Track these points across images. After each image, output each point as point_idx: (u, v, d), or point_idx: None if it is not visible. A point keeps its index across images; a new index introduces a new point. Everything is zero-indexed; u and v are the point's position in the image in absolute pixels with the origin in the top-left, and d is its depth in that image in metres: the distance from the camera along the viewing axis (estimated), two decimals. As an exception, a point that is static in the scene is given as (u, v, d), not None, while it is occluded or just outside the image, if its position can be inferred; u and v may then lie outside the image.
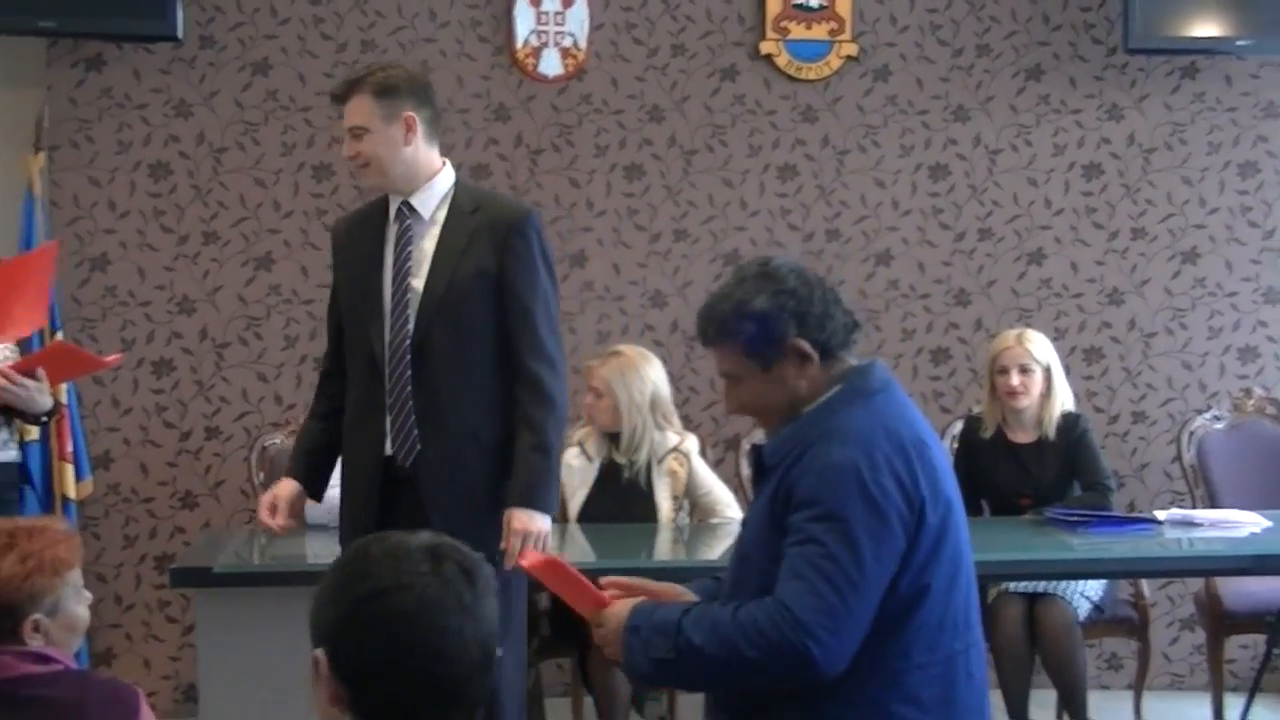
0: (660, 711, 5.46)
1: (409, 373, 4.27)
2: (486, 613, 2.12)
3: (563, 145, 6.83)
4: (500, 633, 2.16)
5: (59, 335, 6.40)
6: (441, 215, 4.35)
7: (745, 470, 6.17)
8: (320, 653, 2.11)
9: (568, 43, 6.77)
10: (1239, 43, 6.73)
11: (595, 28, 6.81)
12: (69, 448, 6.45)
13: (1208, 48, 6.80)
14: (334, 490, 5.48)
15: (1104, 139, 6.99)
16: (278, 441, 6.09)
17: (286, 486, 4.46)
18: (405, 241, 4.33)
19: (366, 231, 4.40)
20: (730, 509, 5.84)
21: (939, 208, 6.97)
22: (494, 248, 4.28)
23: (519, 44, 6.75)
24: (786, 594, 2.95)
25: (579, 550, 5.54)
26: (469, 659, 2.08)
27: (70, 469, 6.47)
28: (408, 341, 4.26)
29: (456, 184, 4.40)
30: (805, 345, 3.12)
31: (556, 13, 6.74)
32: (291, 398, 6.70)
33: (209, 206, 6.72)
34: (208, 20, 6.66)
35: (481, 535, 4.07)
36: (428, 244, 4.32)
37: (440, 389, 4.28)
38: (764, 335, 3.12)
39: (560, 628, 5.67)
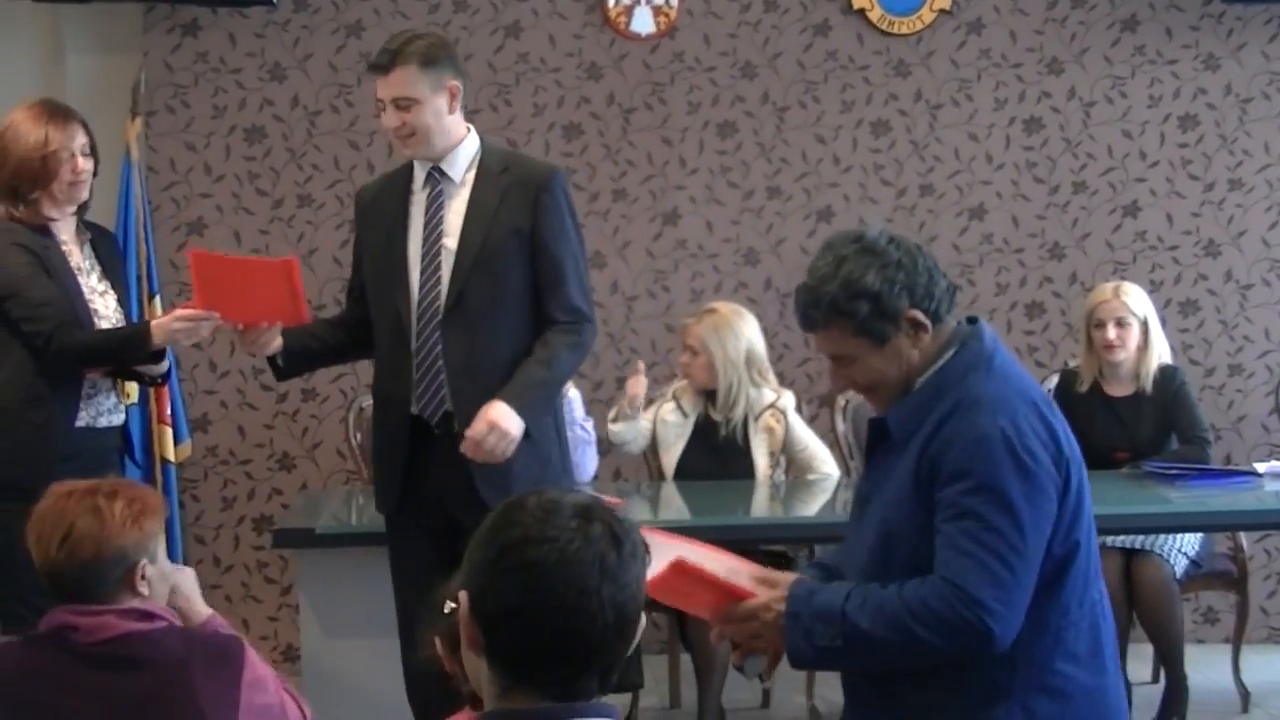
0: (760, 668, 5.46)
1: (438, 333, 4.31)
2: (628, 579, 2.11)
3: (655, 104, 6.83)
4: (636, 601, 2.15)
5: (156, 300, 6.47)
6: (470, 177, 4.38)
7: (840, 426, 6.17)
8: (463, 594, 2.14)
9: (659, 1, 6.76)
10: (1338, -11, 6.65)
11: (687, -16, 6.81)
12: (168, 411, 6.53)
13: (1307, -5, 6.72)
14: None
15: (1200, 90, 6.92)
16: (375, 402, 6.13)
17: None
18: (437, 204, 4.36)
19: (391, 197, 4.43)
20: (827, 465, 5.84)
21: (1033, 161, 6.92)
22: (526, 206, 4.32)
23: (611, 2, 6.75)
24: (954, 571, 2.94)
25: (674, 508, 5.57)
26: (603, 621, 2.08)
27: (169, 432, 6.55)
28: (439, 301, 4.29)
29: (482, 145, 4.43)
30: (920, 315, 3.06)
31: (648, -30, 6.75)
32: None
33: (303, 170, 6.77)
34: (301, -17, 6.72)
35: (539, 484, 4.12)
36: (459, 204, 4.35)
37: (473, 346, 4.31)
38: (879, 312, 3.04)
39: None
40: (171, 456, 6.54)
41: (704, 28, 6.82)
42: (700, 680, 5.59)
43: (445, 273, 4.30)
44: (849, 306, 3.05)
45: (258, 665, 3.24)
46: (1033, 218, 6.92)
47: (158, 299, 6.48)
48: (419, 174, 4.40)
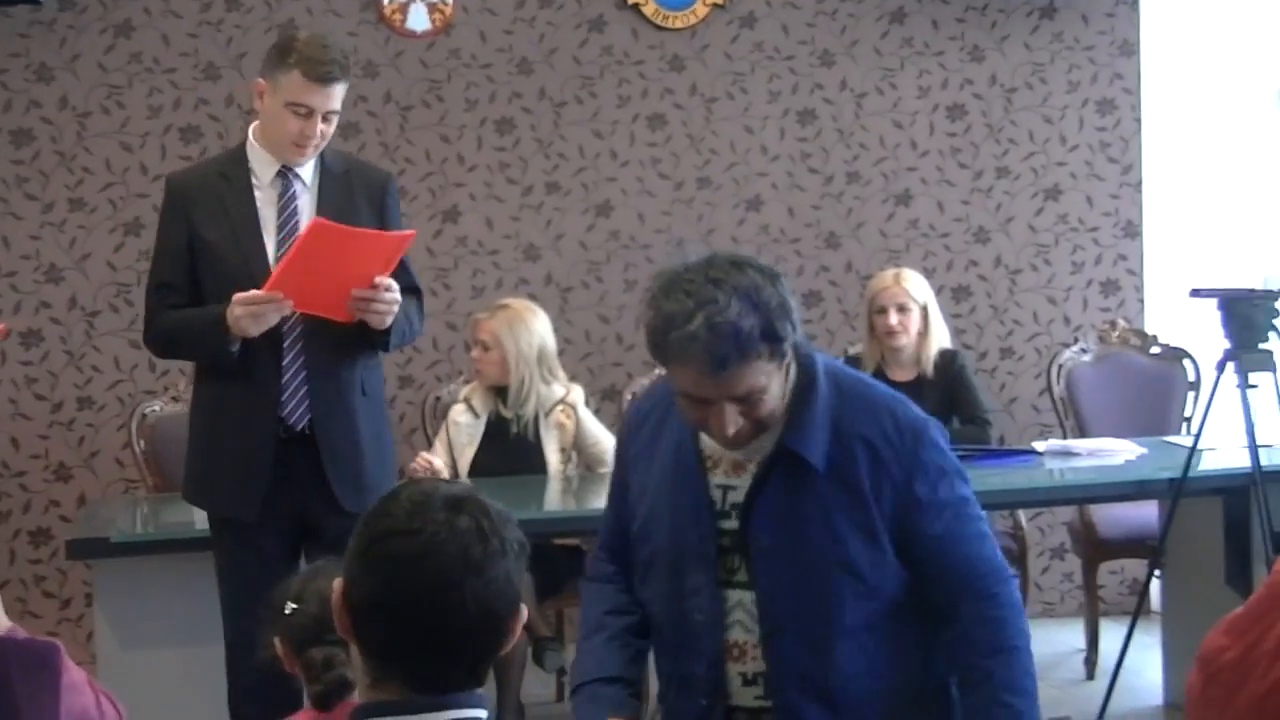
0: (560, 662, 5.49)
1: (302, 341, 4.26)
2: (496, 574, 2.09)
3: (432, 101, 6.80)
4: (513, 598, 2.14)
5: (-76, 309, 6.29)
6: (314, 178, 4.35)
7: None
8: (338, 582, 2.12)
9: (435, -3, 6.75)
10: (1095, -18, 6.87)
11: (462, -19, 6.79)
12: (-64, 423, 6.35)
13: (1064, -12, 6.93)
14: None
15: (967, 80, 7.10)
16: (157, 408, 6.01)
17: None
18: (289, 203, 4.30)
19: (228, 191, 4.31)
20: (618, 457, 5.87)
21: (807, 152, 7.03)
22: (371, 207, 4.34)
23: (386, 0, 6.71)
24: (978, 563, 3.01)
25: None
26: (466, 615, 2.07)
27: (-61, 445, 6.37)
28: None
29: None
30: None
31: (423, -33, 6.72)
32: (165, 363, 6.61)
33: (74, 173, 6.61)
34: (65, -18, 6.55)
35: (380, 486, 4.10)
36: (307, 204, 4.31)
37: (334, 346, 4.28)
38: (790, 328, 2.84)
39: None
40: (-58, 471, 6.36)
41: (480, 24, 6.81)
42: (498, 676, 5.58)
43: None
44: (778, 329, 2.82)
45: (72, 669, 3.15)
46: (808, 208, 7.03)
47: (-76, 309, 6.29)
48: (262, 171, 4.30)
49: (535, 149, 6.87)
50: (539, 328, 5.82)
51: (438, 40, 6.76)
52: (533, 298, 6.46)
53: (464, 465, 5.81)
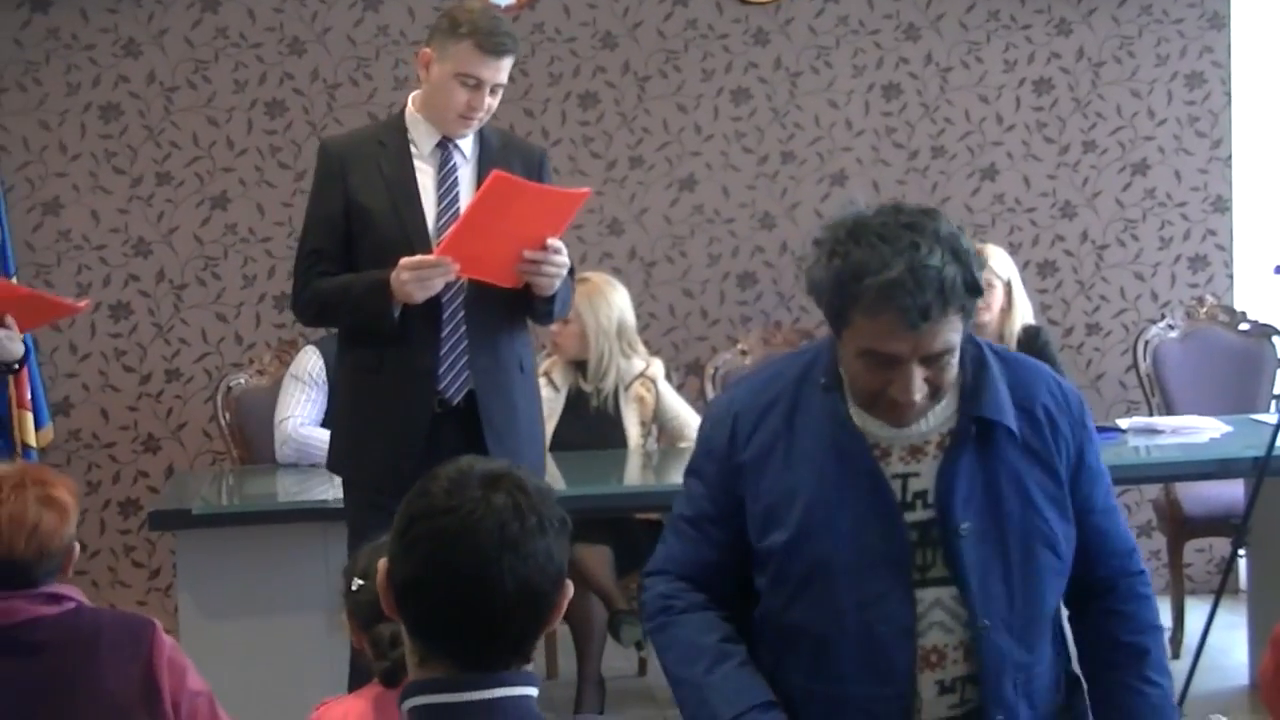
0: (637, 636, 5.50)
1: (463, 311, 4.22)
2: (533, 549, 2.09)
3: (517, 75, 6.71)
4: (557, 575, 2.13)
5: (14, 281, 6.35)
6: (473, 151, 4.33)
7: (711, 393, 6.21)
8: (382, 563, 2.13)
9: (519, -28, 6.76)
10: (1185, -46, 6.79)
11: (547, -44, 6.80)
12: (27, 396, 6.41)
13: (1154, -40, 6.85)
14: (307, 430, 5.51)
15: (1054, 54, 7.03)
16: (242, 381, 6.05)
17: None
18: (451, 176, 4.28)
19: (386, 160, 4.26)
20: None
21: (892, 127, 6.99)
22: (530, 179, 4.24)
23: (470, -26, 6.71)
24: (1129, 533, 2.98)
25: (551, 479, 5.57)
26: (504, 593, 2.06)
27: (30, 416, 6.42)
28: (464, 278, 4.18)
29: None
30: None
31: (508, -59, 6.72)
32: (251, 337, 6.69)
33: (161, 147, 6.67)
34: (153, -42, 6.61)
35: (535, 466, 4.08)
36: (468, 176, 4.29)
37: (492, 321, 4.26)
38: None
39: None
40: (33, 441, 6.42)
41: (564, -1, 6.83)
42: (579, 649, 5.62)
43: None
44: (979, 281, 2.65)
45: (176, 651, 3.20)
46: (893, 182, 6.99)
47: (15, 280, 6.35)
48: (422, 141, 4.28)
49: (619, 123, 6.86)
50: (618, 301, 5.82)
51: (522, 14, 6.76)
52: (616, 272, 6.47)
53: (545, 439, 5.82)
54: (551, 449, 5.77)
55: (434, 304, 4.17)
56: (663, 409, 5.86)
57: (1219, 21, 7.06)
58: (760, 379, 2.95)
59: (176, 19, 6.63)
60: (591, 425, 5.82)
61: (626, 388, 5.84)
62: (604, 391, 5.83)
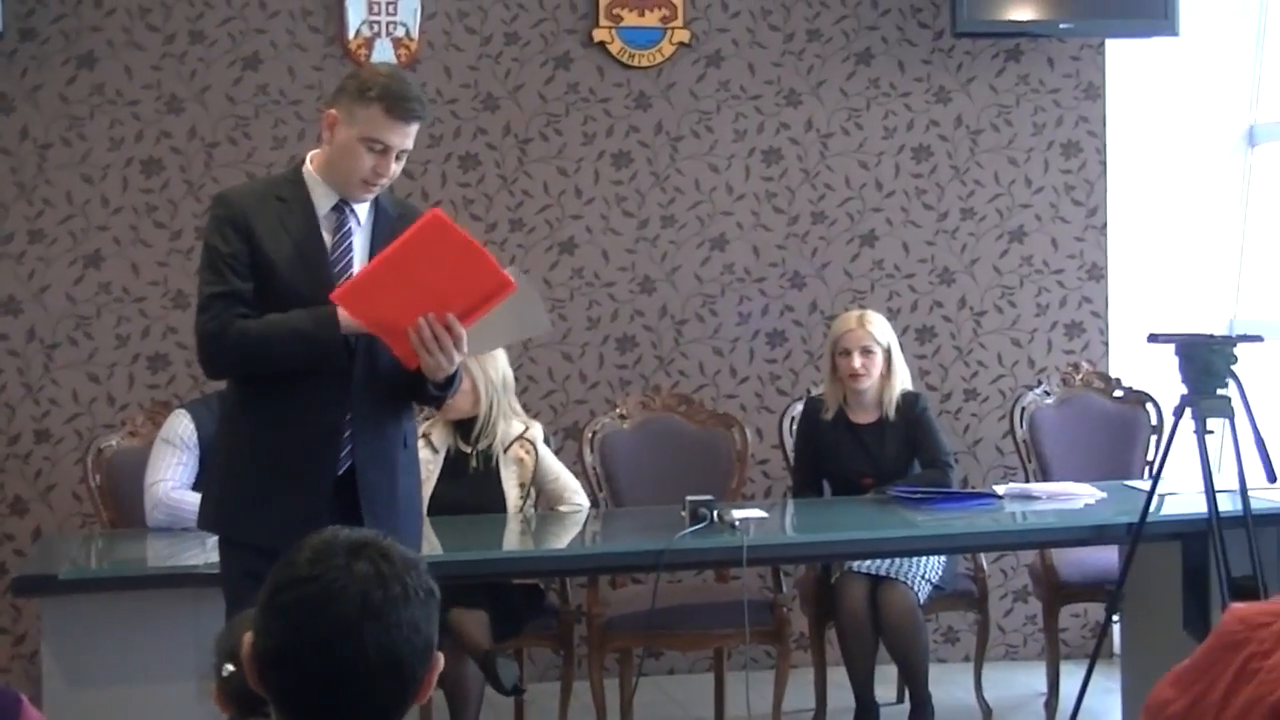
0: (514, 676, 5.40)
1: (359, 373, 4.11)
2: (398, 619, 2.05)
3: (396, 136, 6.76)
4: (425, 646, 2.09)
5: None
6: (368, 218, 4.20)
7: (589, 457, 6.19)
8: (248, 635, 2.09)
9: (400, 33, 6.72)
10: (1060, 25, 6.91)
11: (428, 17, 6.76)
12: (-110, 455, 6.29)
13: (1030, 31, 6.95)
14: (179, 494, 5.43)
15: (933, 121, 7.10)
16: (114, 443, 5.94)
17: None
18: (345, 239, 4.15)
19: (291, 214, 4.12)
20: (578, 495, 5.86)
21: (772, 192, 7.03)
22: None
23: (351, 34, 6.68)
24: None
25: (428, 545, 5.50)
26: (367, 662, 2.03)
27: (-108, 477, 6.30)
28: (358, 341, 4.07)
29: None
30: None
31: (389, 2, 6.68)
32: (124, 398, 6.58)
33: (34, 204, 6.56)
34: (28, 12, 6.50)
35: (411, 543, 3.98)
36: (361, 242, 4.17)
37: (382, 392, 4.14)
38: None
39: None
40: (-104, 503, 6.30)
41: (445, 60, 6.80)
42: (454, 717, 5.55)
43: None
44: None
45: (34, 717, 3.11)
46: (773, 247, 7.02)
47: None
48: (319, 203, 4.14)
49: (499, 185, 6.85)
50: (502, 357, 5.82)
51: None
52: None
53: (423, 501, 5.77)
54: (429, 512, 5.69)
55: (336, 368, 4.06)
56: (542, 471, 5.83)
57: (1094, 92, 7.17)
58: None
59: (51, 75, 6.54)
60: (470, 487, 5.77)
61: (506, 449, 5.80)
62: (484, 452, 5.78)
